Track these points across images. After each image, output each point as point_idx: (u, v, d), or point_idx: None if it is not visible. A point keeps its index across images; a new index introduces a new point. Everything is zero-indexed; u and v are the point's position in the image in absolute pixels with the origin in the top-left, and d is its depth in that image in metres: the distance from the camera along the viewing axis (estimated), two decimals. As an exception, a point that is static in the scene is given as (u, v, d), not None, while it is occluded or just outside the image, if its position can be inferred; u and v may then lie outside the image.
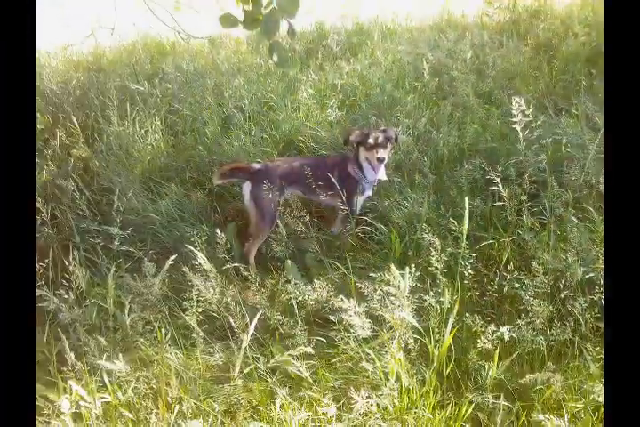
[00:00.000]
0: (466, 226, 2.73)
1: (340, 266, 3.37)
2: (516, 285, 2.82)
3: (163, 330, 2.71)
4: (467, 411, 2.39)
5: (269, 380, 2.63)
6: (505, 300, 3.06)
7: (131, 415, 2.45)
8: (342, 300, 2.40)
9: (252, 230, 4.03)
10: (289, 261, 3.61)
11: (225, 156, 4.91)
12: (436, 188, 4.27)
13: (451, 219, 3.07)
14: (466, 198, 2.83)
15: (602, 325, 2.66)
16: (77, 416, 2.34)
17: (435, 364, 2.51)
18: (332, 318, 2.80)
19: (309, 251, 3.68)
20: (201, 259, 2.67)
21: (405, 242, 3.58)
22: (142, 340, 2.83)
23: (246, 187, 3.93)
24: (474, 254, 2.86)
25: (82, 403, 2.30)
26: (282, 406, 2.47)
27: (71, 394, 2.30)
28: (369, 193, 4.09)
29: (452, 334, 2.49)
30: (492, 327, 2.48)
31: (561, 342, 2.66)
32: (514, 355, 2.58)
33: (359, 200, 4.00)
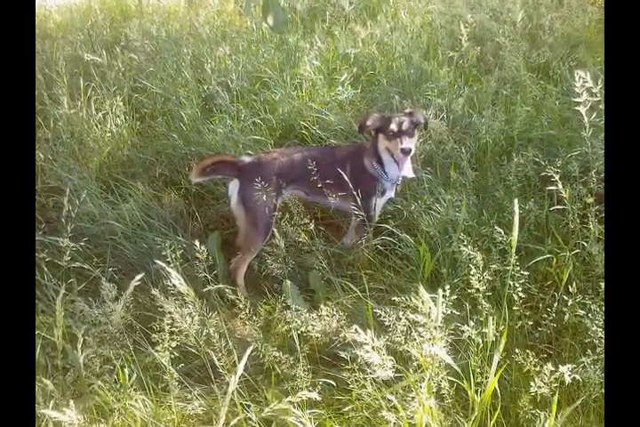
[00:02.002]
0: (515, 236, 2.74)
1: (354, 288, 3.38)
2: (581, 312, 2.82)
3: (126, 370, 2.72)
4: (517, 475, 2.39)
5: (263, 434, 2.64)
6: (566, 331, 3.07)
7: (85, 480, 2.47)
8: (357, 331, 2.40)
9: (240, 242, 4.06)
10: (288, 282, 3.63)
11: (206, 146, 4.96)
12: (478, 187, 4.29)
13: (496, 227, 3.09)
14: (515, 201, 2.84)
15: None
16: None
17: (476, 413, 2.51)
18: (343, 354, 2.80)
19: (314, 268, 3.71)
20: (175, 279, 2.68)
21: (438, 257, 3.61)
22: (100, 383, 2.84)
23: (233, 186, 3.96)
24: (526, 273, 2.87)
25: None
26: (279, 469, 2.48)
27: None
28: (391, 194, 4.12)
29: (497, 376, 2.49)
30: (550, 367, 2.48)
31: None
32: (577, 402, 2.58)
33: (378, 203, 4.04)
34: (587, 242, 3.42)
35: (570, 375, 2.46)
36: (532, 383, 2.51)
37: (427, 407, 2.41)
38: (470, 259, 2.77)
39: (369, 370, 2.47)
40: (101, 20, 7.60)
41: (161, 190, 4.78)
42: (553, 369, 2.48)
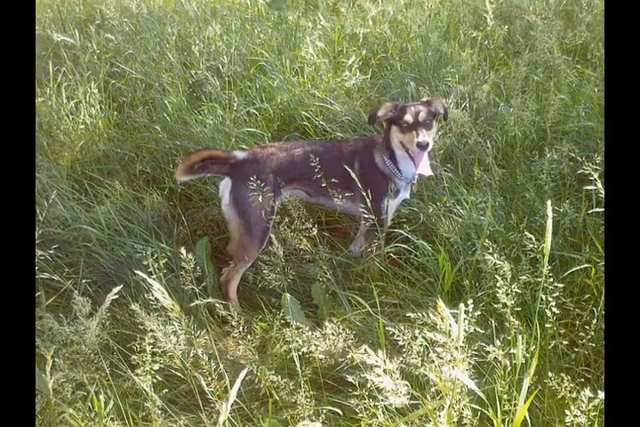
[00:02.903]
0: (548, 243, 2.74)
1: (363, 302, 3.36)
2: (624, 330, 2.82)
3: (102, 396, 2.73)
4: None
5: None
6: (607, 353, 3.07)
7: None
8: (366, 352, 2.41)
9: (233, 250, 4.09)
10: (288, 296, 3.64)
11: (193, 140, 4.99)
12: (505, 187, 4.30)
13: (526, 233, 3.10)
14: (548, 203, 2.84)
15: None
16: None
17: (503, 447, 2.52)
18: (350, 378, 2.79)
19: (317, 280, 3.72)
20: (158, 292, 2.69)
21: (459, 267, 3.62)
22: (72, 411, 2.84)
23: (225, 186, 3.99)
24: (560, 285, 2.86)
25: None
26: None
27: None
28: (405, 195, 4.14)
29: (527, 403, 2.49)
30: (587, 392, 2.48)
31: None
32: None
33: (391, 205, 4.04)
34: (630, 250, 3.41)
35: (611, 403, 2.46)
36: (567, 412, 2.50)
37: (447, 439, 2.41)
38: (496, 269, 2.77)
39: (380, 397, 2.47)
40: (74, -4, 7.64)
41: (142, 190, 4.79)
42: (591, 396, 2.47)
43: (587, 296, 3.35)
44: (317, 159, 3.83)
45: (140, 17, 6.68)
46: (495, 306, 2.79)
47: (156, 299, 2.71)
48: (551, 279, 2.79)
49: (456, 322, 2.44)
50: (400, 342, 2.59)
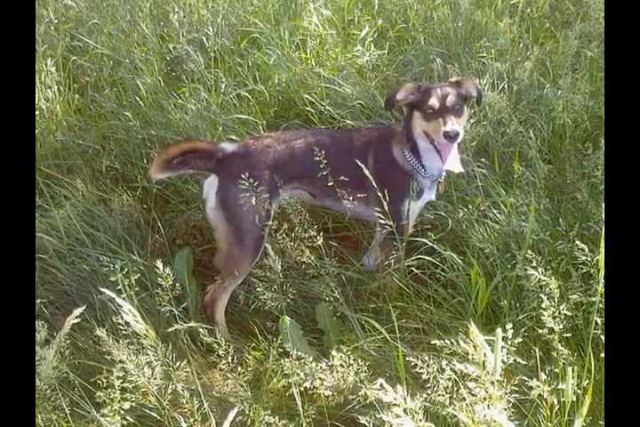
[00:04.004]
0: (604, 255, 2.75)
1: (379, 326, 3.38)
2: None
3: (62, 441, 2.74)
4: None
5: None
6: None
7: None
8: (383, 387, 2.42)
9: (220, 263, 4.09)
10: (287, 319, 3.64)
11: (172, 129, 5.01)
12: (552, 186, 4.29)
13: (577, 242, 3.09)
14: (604, 205, 2.85)
15: None
16: None
17: None
18: (363, 420, 2.79)
19: (323, 299, 3.72)
20: (129, 314, 2.70)
21: (496, 284, 3.62)
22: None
23: (211, 185, 4.00)
24: (619, 306, 2.88)
25: None
26: None
27: None
28: (430, 196, 4.15)
29: (580, 451, 2.50)
30: (653, 438, 2.49)
31: None
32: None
33: (413, 209, 4.05)
34: None
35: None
36: (627, 461, 2.51)
37: None
38: (541, 286, 2.78)
39: (400, 442, 2.48)
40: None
41: (109, 191, 4.80)
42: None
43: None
44: (323, 153, 3.82)
45: (107, -22, 6.69)
46: (540, 331, 2.78)
47: (127, 323, 2.71)
48: (608, 299, 2.81)
49: (492, 351, 2.44)
50: (424, 376, 2.59)
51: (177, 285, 3.12)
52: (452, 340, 2.55)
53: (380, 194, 3.71)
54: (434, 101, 3.84)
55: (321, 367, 2.90)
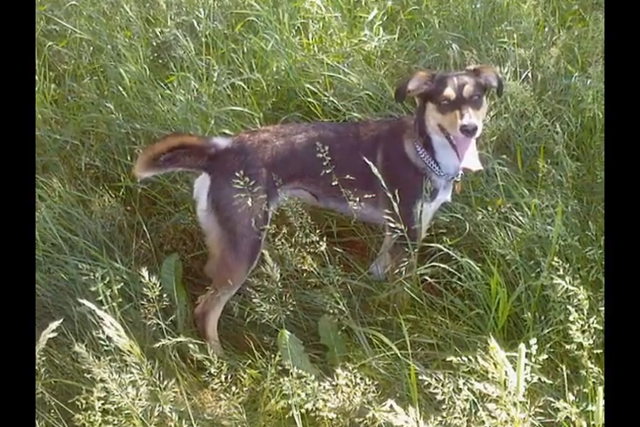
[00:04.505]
0: None
1: (389, 341, 3.38)
2: None
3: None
4: None
5: None
6: None
7: None
8: (392, 409, 2.41)
9: (212, 271, 4.11)
10: (287, 333, 3.64)
11: (158, 122, 5.01)
12: (580, 186, 4.28)
13: (609, 248, 3.09)
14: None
15: None
16: None
17: None
18: (371, 445, 2.81)
19: (327, 312, 3.72)
20: (111, 328, 2.70)
21: (519, 294, 3.61)
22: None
23: (202, 185, 4.01)
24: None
25: None
26: None
27: None
28: (445, 196, 4.16)
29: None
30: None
31: None
32: None
33: (426, 211, 4.05)
34: None
35: None
36: None
37: None
38: (569, 297, 2.77)
39: (412, 470, 2.47)
40: None
41: (89, 191, 4.81)
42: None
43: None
44: (326, 148, 3.80)
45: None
46: (567, 347, 2.77)
47: (108, 337, 2.72)
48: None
49: (514, 369, 2.44)
50: (438, 396, 2.59)
51: (164, 295, 3.12)
52: (470, 356, 2.55)
53: (389, 194, 3.71)
54: (449, 92, 3.83)
55: (324, 387, 2.90)
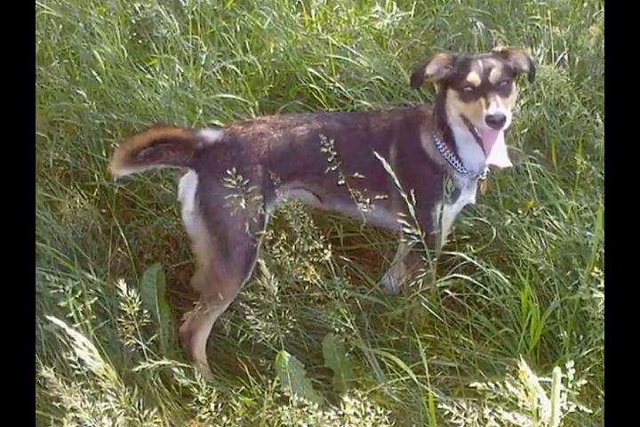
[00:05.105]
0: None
1: (403, 365, 3.36)
2: None
3: None
4: None
5: None
6: None
7: None
8: (409, 443, 2.41)
9: (200, 283, 4.11)
10: (286, 355, 3.61)
11: (138, 112, 5.01)
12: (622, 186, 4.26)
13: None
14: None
15: None
16: None
17: None
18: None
19: (332, 330, 3.71)
20: (83, 349, 2.68)
21: (554, 310, 3.59)
22: None
23: (188, 184, 3.99)
24: None
25: None
26: None
27: None
28: (469, 197, 4.14)
29: None
30: None
31: None
32: None
33: (447, 214, 4.04)
34: None
35: None
36: None
37: None
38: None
39: None
40: None
41: (58, 191, 4.81)
42: None
43: None
44: (332, 142, 3.78)
45: None
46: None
47: (80, 360, 2.70)
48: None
49: (548, 396, 2.42)
50: (461, 429, 2.58)
51: (145, 311, 3.12)
52: (497, 382, 2.54)
53: (404, 195, 3.69)
54: (474, 77, 3.82)
55: (329, 417, 2.88)
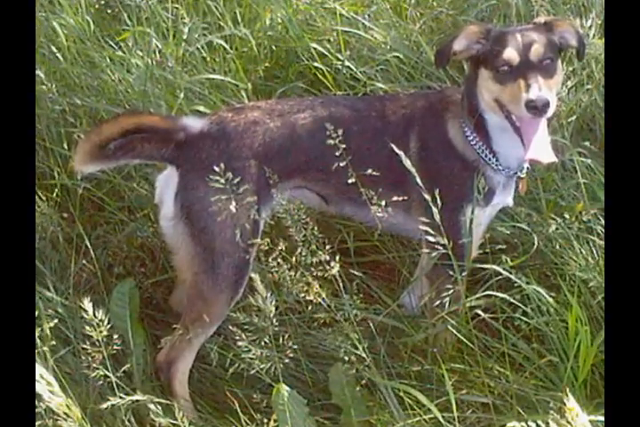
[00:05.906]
0: None
1: (426, 401, 3.34)
2: None
3: None
4: None
5: None
6: None
7: None
8: None
9: (182, 302, 4.10)
10: (285, 389, 3.58)
11: (107, 96, 5.00)
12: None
13: None
14: None
15: None
16: None
17: None
18: None
19: (340, 359, 3.67)
20: (42, 382, 2.66)
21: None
22: None
23: (166, 182, 3.99)
24: None
25: None
26: None
27: None
28: (505, 199, 4.13)
29: None
30: None
31: None
32: None
33: (479, 219, 4.03)
34: None
35: None
36: None
37: None
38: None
39: None
40: None
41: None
42: None
43: None
44: (340, 133, 3.76)
45: None
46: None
47: (37, 395, 2.67)
48: None
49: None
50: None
51: (115, 336, 3.10)
52: (540, 421, 2.54)
53: (427, 196, 3.68)
54: (511, 54, 3.80)
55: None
